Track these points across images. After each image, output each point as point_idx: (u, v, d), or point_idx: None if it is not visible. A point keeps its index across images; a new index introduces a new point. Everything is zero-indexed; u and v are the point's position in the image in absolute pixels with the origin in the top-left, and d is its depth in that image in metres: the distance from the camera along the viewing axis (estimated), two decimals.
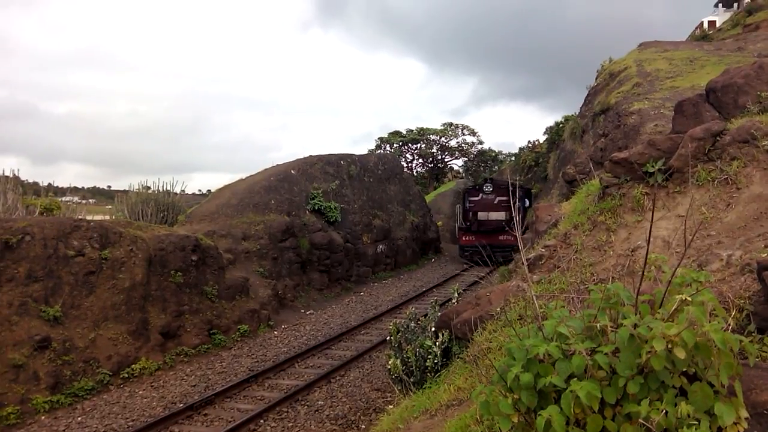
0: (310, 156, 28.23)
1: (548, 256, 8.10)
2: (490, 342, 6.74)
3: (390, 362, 9.34)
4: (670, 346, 2.76)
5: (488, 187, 33.60)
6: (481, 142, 69.94)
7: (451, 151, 70.36)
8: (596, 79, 30.60)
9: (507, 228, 29.94)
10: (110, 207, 24.68)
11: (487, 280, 10.35)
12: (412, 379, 8.90)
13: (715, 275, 4.96)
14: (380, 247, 29.01)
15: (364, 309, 20.93)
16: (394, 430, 6.66)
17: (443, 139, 68.77)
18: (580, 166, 17.51)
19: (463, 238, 33.19)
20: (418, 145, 68.49)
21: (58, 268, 12.75)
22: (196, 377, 13.33)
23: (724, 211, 6.41)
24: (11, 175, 16.34)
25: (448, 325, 8.61)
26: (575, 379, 2.94)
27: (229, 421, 10.76)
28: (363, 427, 10.58)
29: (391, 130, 68.83)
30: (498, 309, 7.35)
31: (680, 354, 2.73)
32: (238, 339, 16.23)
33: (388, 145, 66.88)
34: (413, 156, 69.16)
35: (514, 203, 8.63)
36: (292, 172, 25.76)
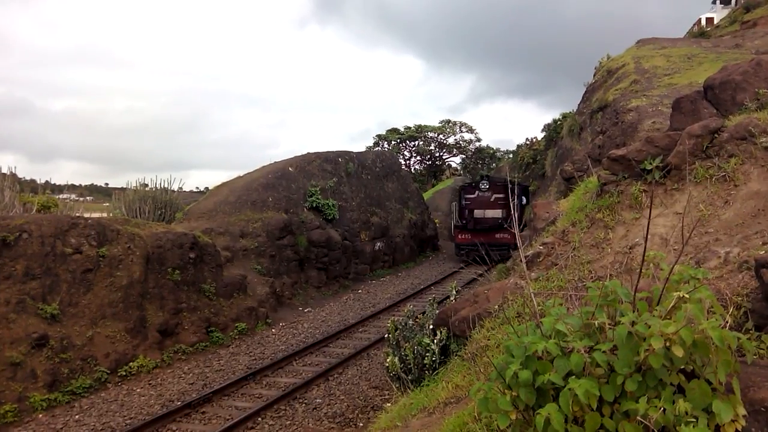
0: (308, 153, 28.20)
1: (546, 253, 8.09)
2: (488, 339, 6.74)
3: (388, 360, 9.34)
4: (668, 343, 2.76)
5: (484, 185, 33.13)
6: (479, 140, 69.97)
7: (449, 149, 70.33)
8: (594, 76, 30.59)
9: (505, 226, 29.91)
10: (108, 204, 24.64)
11: (485, 277, 10.35)
12: (410, 377, 8.90)
13: (713, 272, 4.96)
14: (378, 244, 29.01)
15: (362, 307, 20.93)
16: (392, 428, 6.66)
17: (441, 136, 68.73)
18: (578, 164, 17.52)
19: (459, 237, 32.70)
20: (416, 142, 68.44)
21: (55, 266, 12.73)
22: (193, 375, 13.33)
23: (721, 208, 6.40)
24: (8, 173, 16.33)
25: (446, 322, 8.61)
26: (573, 376, 2.95)
27: (227, 419, 10.76)
28: (361, 425, 10.59)
29: (389, 128, 68.86)
30: (496, 306, 7.35)
31: (678, 352, 2.74)
32: (236, 337, 16.23)
33: (386, 143, 66.84)
34: (411, 153, 69.12)
35: (512, 201, 8.61)
36: (290, 169, 25.73)
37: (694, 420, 2.71)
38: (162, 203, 20.71)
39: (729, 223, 6.05)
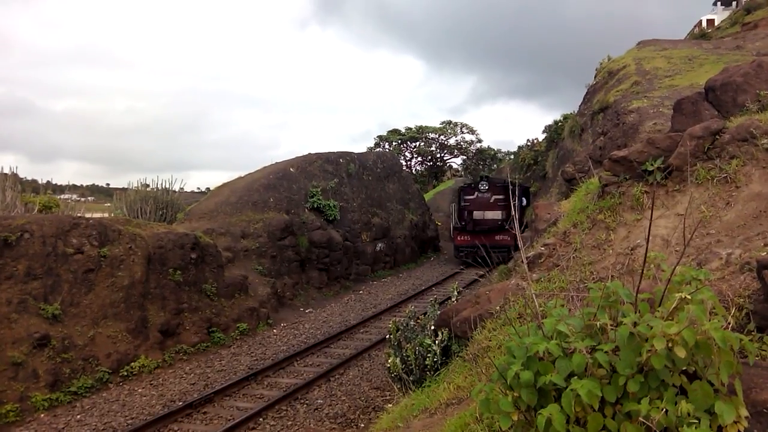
0: (309, 154, 28.21)
1: (548, 254, 8.10)
2: (490, 340, 6.75)
3: (389, 361, 9.34)
4: (670, 344, 2.77)
5: (484, 186, 32.57)
6: (480, 141, 70.06)
7: (450, 150, 70.38)
8: (595, 77, 30.58)
9: (507, 227, 29.81)
10: (109, 205, 24.69)
11: (487, 278, 10.36)
12: (411, 378, 8.91)
13: (715, 274, 4.96)
14: (379, 245, 29.00)
15: (364, 307, 20.93)
16: (394, 429, 6.67)
17: (442, 137, 68.79)
18: (579, 165, 17.52)
19: (458, 238, 32.23)
20: (417, 143, 68.50)
21: (57, 266, 12.74)
22: (195, 375, 13.33)
23: (723, 209, 6.41)
24: (10, 173, 16.34)
25: (448, 323, 8.61)
26: (575, 377, 2.95)
27: (229, 420, 10.77)
28: (362, 425, 10.59)
29: (390, 128, 68.93)
30: (497, 307, 7.35)
31: (680, 353, 2.74)
32: (237, 337, 16.24)
33: (387, 144, 66.88)
34: (412, 154, 69.17)
35: (513, 202, 8.62)
36: (291, 170, 25.74)
37: (697, 421, 2.71)
38: (163, 204, 20.74)
39: (730, 224, 6.05)
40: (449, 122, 69.74)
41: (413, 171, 65.85)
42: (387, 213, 31.35)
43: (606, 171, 8.15)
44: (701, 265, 5.26)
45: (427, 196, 48.38)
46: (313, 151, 28.66)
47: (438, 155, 70.43)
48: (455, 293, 10.69)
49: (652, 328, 2.86)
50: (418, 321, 9.95)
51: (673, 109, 9.73)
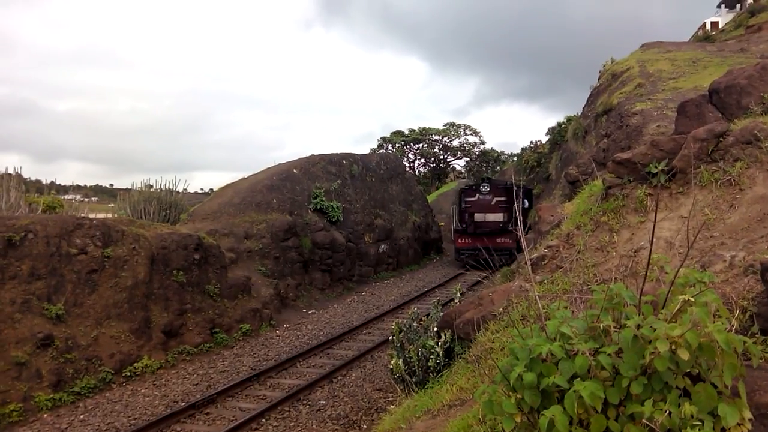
0: (313, 155, 28.24)
1: (551, 256, 8.10)
2: (493, 342, 6.75)
3: (392, 362, 9.35)
4: (673, 347, 2.77)
5: (485, 187, 32.07)
6: (483, 142, 69.98)
7: (454, 151, 70.35)
8: (599, 79, 30.54)
9: (511, 228, 29.71)
10: (113, 205, 24.72)
11: (490, 280, 10.37)
12: (414, 379, 8.91)
13: (718, 276, 4.95)
14: (382, 246, 29.01)
15: (366, 309, 20.94)
16: (396, 430, 6.67)
17: (445, 139, 68.75)
18: (582, 167, 17.51)
19: (459, 241, 31.66)
20: (421, 145, 68.47)
21: (60, 266, 12.77)
22: (198, 376, 13.35)
23: (727, 212, 6.40)
24: (14, 173, 16.37)
25: (451, 325, 8.61)
26: (578, 379, 2.95)
27: (231, 420, 10.78)
28: (365, 427, 10.59)
29: (393, 130, 68.94)
30: (500, 309, 7.35)
31: (684, 355, 2.74)
32: (240, 338, 16.25)
33: (390, 145, 66.86)
34: (415, 156, 69.17)
35: (517, 203, 8.61)
36: (295, 171, 25.77)
37: (700, 423, 2.71)
38: (167, 204, 20.77)
39: (734, 227, 6.04)
40: (452, 124, 69.73)
41: (416, 172, 65.86)
42: (390, 214, 31.35)
43: (609, 173, 8.15)
44: (705, 267, 5.25)
45: (430, 198, 48.41)
46: (316, 153, 28.72)
47: (441, 157, 70.42)
48: (458, 295, 10.69)
49: (655, 330, 2.86)
50: (421, 322, 9.95)
51: (676, 112, 9.73)
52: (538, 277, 7.69)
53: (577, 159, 23.20)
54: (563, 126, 35.60)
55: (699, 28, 56.08)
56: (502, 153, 71.75)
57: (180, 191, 22.20)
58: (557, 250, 8.08)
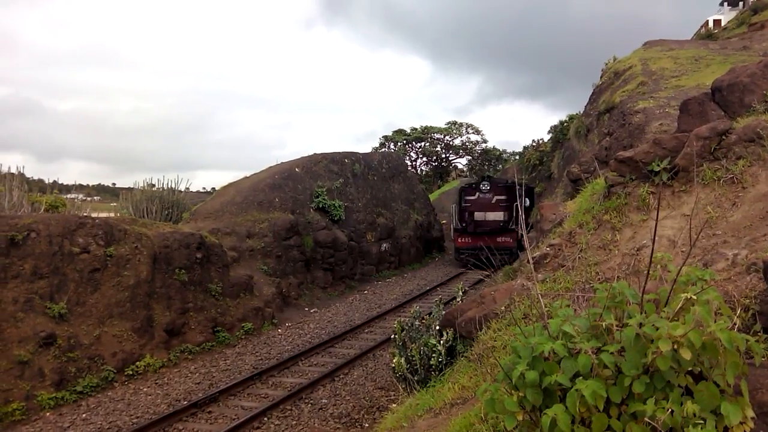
0: (315, 154, 28.25)
1: (553, 255, 8.09)
2: (495, 341, 6.74)
3: (394, 360, 9.35)
4: (676, 345, 2.76)
5: (485, 186, 31.49)
6: (485, 141, 69.91)
7: (456, 150, 70.30)
8: (601, 77, 30.50)
9: (512, 227, 29.63)
10: (115, 204, 24.76)
11: (492, 279, 10.36)
12: (416, 378, 8.91)
13: (721, 274, 4.94)
14: (384, 245, 29.00)
15: (368, 307, 20.94)
16: (398, 429, 6.67)
17: (447, 137, 68.71)
18: (584, 165, 17.49)
19: (459, 240, 31.17)
20: (423, 143, 68.45)
21: (63, 265, 12.79)
22: (200, 375, 13.37)
23: (729, 210, 6.39)
24: (17, 172, 16.41)
25: (453, 323, 8.60)
26: (580, 377, 2.94)
27: (233, 419, 10.79)
28: (367, 425, 10.59)
29: (395, 129, 68.88)
30: (503, 308, 7.35)
31: (686, 354, 2.73)
32: (242, 337, 16.27)
33: (392, 144, 66.85)
34: (417, 154, 69.15)
35: (519, 202, 8.59)
36: (297, 170, 25.78)
37: (702, 422, 2.70)
38: (169, 203, 20.80)
39: (737, 225, 6.03)
40: (454, 122, 69.69)
41: (418, 171, 65.86)
42: (392, 213, 31.33)
43: (612, 171, 8.13)
44: (707, 265, 5.24)
45: (432, 197, 48.40)
46: (318, 152, 28.72)
47: (443, 155, 70.38)
48: (460, 293, 10.68)
49: (657, 329, 2.85)
50: (423, 321, 9.95)
51: (679, 110, 9.70)
52: (540, 275, 7.68)
53: (579, 157, 23.17)
54: (565, 124, 35.59)
55: (701, 26, 55.95)
56: (504, 151, 71.75)
57: (182, 190, 22.24)
58: (559, 249, 8.07)
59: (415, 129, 67.53)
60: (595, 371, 2.99)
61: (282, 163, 27.24)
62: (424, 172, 67.99)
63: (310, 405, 11.64)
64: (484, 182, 32.16)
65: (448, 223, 42.69)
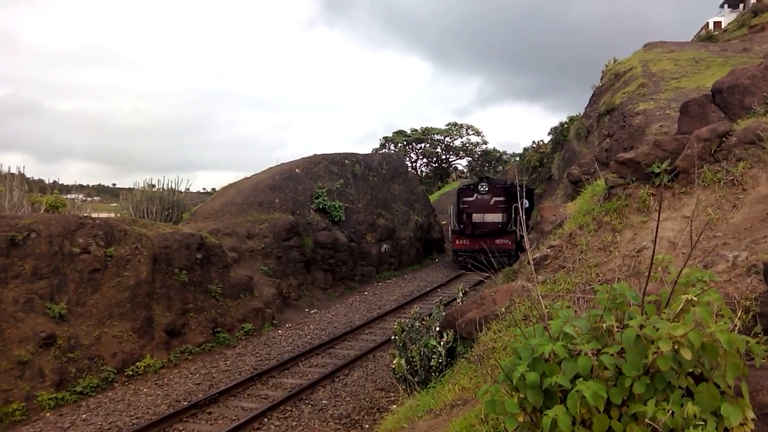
0: (315, 155, 28.25)
1: (553, 256, 8.09)
2: (495, 342, 6.74)
3: (394, 362, 9.35)
4: (676, 347, 2.76)
5: (484, 187, 30.94)
6: (485, 142, 70.06)
7: (456, 151, 70.41)
8: (601, 79, 30.53)
9: (511, 229, 29.54)
10: (115, 205, 24.79)
11: (492, 280, 10.36)
12: (416, 379, 8.90)
13: (721, 276, 4.94)
14: (384, 246, 29.00)
15: (368, 308, 20.94)
16: (399, 430, 6.67)
17: (448, 138, 68.82)
18: (585, 167, 17.49)
19: (457, 242, 30.78)
20: (423, 144, 68.52)
21: (63, 266, 12.80)
22: (200, 375, 13.36)
23: (729, 212, 6.39)
24: (17, 173, 16.43)
25: (453, 324, 8.60)
26: (581, 379, 2.94)
27: (234, 420, 10.79)
28: (367, 426, 10.59)
29: (396, 130, 69.00)
30: (503, 309, 7.35)
31: (687, 355, 2.73)
32: (243, 337, 16.27)
33: (392, 145, 66.92)
34: (418, 156, 69.25)
35: (519, 203, 8.59)
36: (297, 171, 25.78)
37: (703, 423, 2.70)
38: (169, 204, 20.81)
39: (737, 227, 6.04)
40: (455, 124, 69.84)
41: (419, 172, 65.92)
42: (392, 214, 31.33)
43: (612, 173, 8.14)
44: (708, 267, 5.24)
45: (433, 198, 48.43)
46: (318, 152, 28.73)
47: (443, 157, 70.47)
48: (460, 295, 10.69)
49: (658, 330, 2.85)
50: (423, 322, 9.94)
51: (679, 112, 9.72)
52: (540, 276, 7.68)
53: (579, 159, 23.18)
54: (566, 126, 35.57)
55: (702, 28, 56.02)
56: (505, 153, 71.91)
57: (182, 191, 22.27)
58: (560, 250, 8.07)
59: (416, 130, 67.61)
60: (596, 372, 2.99)
61: (282, 163, 27.26)
62: (424, 173, 68.07)
63: (310, 406, 11.64)
64: (482, 183, 31.73)
65: (447, 224, 42.70)
